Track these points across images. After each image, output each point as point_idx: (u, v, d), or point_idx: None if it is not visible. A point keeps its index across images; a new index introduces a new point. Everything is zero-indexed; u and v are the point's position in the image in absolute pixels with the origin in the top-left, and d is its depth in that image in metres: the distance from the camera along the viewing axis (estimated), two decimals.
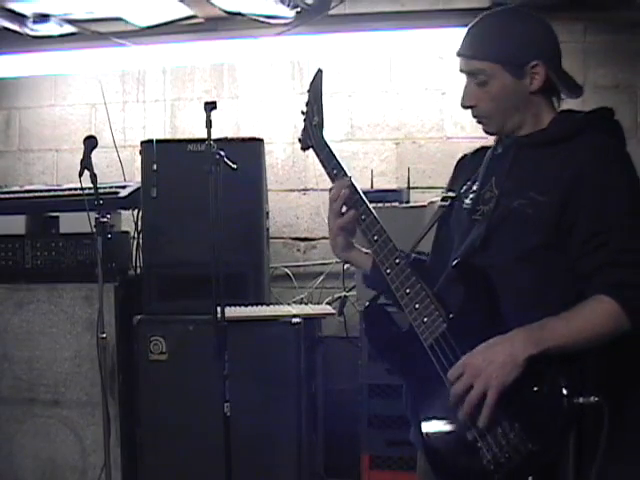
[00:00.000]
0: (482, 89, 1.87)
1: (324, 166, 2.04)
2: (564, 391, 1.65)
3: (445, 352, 1.80)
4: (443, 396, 1.78)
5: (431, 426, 1.84)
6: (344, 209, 1.98)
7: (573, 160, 1.79)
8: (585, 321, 1.71)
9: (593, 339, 1.71)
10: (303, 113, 2.10)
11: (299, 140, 2.12)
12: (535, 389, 1.69)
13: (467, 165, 2.08)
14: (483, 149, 2.04)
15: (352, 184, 1.97)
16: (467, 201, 1.94)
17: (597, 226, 1.74)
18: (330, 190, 2.00)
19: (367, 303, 2.02)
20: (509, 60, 1.84)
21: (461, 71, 1.92)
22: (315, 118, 2.06)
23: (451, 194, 2.03)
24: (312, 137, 2.07)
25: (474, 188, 1.94)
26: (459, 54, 1.91)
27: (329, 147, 2.04)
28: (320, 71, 2.09)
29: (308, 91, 2.10)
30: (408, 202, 3.60)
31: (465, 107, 1.92)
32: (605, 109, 1.92)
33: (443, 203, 2.03)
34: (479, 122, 1.93)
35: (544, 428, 1.66)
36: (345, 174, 1.99)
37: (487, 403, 1.70)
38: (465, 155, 2.13)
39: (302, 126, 2.11)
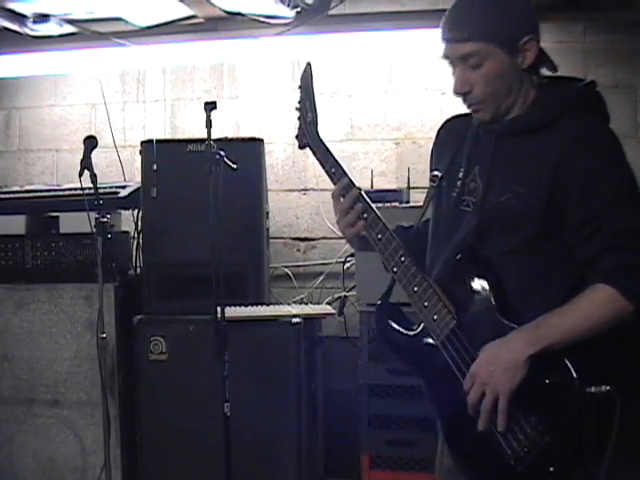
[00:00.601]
0: (476, 72, 1.79)
1: (322, 164, 2.01)
2: (575, 382, 1.66)
3: (457, 348, 1.81)
4: (459, 394, 1.79)
5: (451, 424, 1.86)
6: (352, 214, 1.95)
7: (555, 146, 1.76)
8: (583, 312, 1.71)
9: (594, 328, 1.71)
10: (297, 110, 2.07)
11: (296, 138, 2.09)
12: (547, 382, 1.70)
13: (450, 135, 2.02)
14: (467, 116, 1.97)
15: (361, 193, 1.95)
16: (454, 189, 1.91)
17: (588, 212, 1.73)
18: (333, 194, 1.97)
19: (379, 301, 2.01)
20: (504, 37, 1.77)
21: (447, 58, 1.83)
22: (309, 115, 2.03)
23: (437, 173, 1.98)
24: (307, 135, 2.04)
25: (460, 175, 1.90)
26: (447, 39, 1.81)
27: (325, 145, 2.01)
28: (309, 65, 2.05)
29: (299, 87, 2.07)
30: (408, 202, 3.60)
31: (459, 94, 1.83)
32: (587, 85, 1.87)
33: (432, 184, 2.00)
34: (473, 111, 1.87)
35: (558, 419, 1.68)
36: (344, 173, 1.96)
37: (500, 409, 1.72)
38: (446, 122, 2.07)
39: (297, 124, 2.07)
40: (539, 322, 1.72)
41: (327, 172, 2.00)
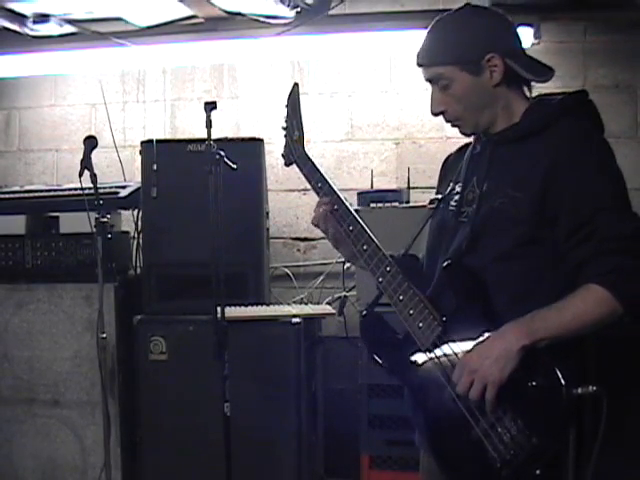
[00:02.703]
0: (446, 93, 1.88)
1: (308, 180, 2.06)
2: (562, 382, 1.66)
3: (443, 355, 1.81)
4: (445, 399, 1.79)
5: (436, 429, 1.85)
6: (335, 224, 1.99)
7: (547, 152, 1.78)
8: (576, 309, 1.72)
9: (586, 326, 1.73)
10: (283, 129, 2.13)
11: (282, 156, 2.14)
12: (534, 383, 1.70)
13: (452, 165, 2.08)
14: (466, 146, 2.04)
15: (336, 199, 1.98)
16: (452, 203, 1.95)
17: (579, 218, 1.74)
18: (318, 203, 2.01)
19: (364, 312, 2.03)
20: (463, 59, 1.85)
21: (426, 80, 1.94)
22: (296, 133, 2.09)
23: (438, 196, 2.03)
24: (294, 152, 2.10)
25: (457, 189, 1.95)
26: (418, 64, 1.92)
27: (312, 161, 2.06)
28: (296, 85, 2.13)
29: (286, 106, 2.13)
30: (408, 202, 3.60)
31: (435, 114, 1.92)
32: (578, 92, 1.90)
33: (431, 206, 2.04)
34: (453, 126, 1.94)
35: (545, 421, 1.68)
36: (330, 187, 2.01)
37: (488, 399, 1.72)
38: (449, 155, 2.14)
39: (284, 142, 2.13)
40: (534, 315, 1.73)
41: (313, 187, 2.05)
